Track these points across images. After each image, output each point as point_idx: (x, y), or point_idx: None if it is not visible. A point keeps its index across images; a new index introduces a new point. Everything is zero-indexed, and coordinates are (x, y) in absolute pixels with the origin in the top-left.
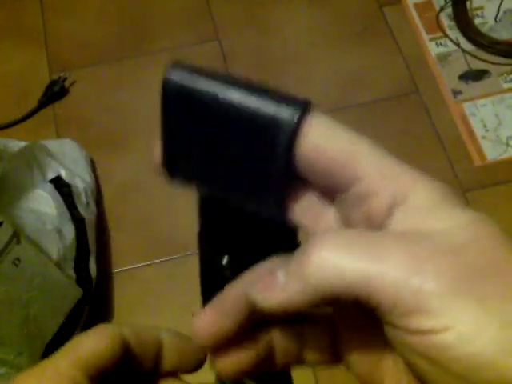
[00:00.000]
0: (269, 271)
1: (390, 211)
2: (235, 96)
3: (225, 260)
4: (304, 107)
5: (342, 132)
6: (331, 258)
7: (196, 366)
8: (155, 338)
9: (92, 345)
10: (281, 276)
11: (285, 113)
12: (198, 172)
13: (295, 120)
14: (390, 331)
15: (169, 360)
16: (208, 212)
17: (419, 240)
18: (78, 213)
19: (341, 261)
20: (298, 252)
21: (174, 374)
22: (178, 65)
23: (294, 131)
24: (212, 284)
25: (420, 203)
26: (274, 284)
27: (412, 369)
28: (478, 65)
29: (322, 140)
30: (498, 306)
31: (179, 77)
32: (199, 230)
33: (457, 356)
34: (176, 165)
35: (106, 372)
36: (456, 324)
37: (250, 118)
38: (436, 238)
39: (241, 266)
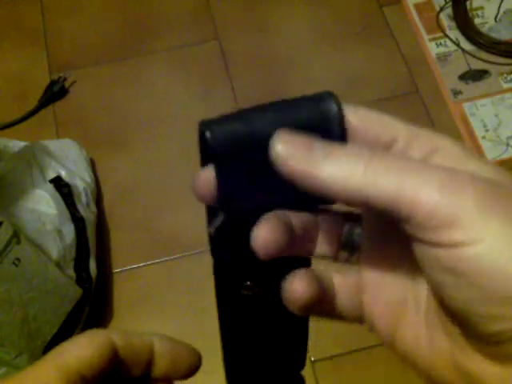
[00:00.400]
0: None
1: (427, 158)
2: (271, 119)
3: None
4: (331, 95)
5: (371, 111)
6: (375, 171)
7: (189, 372)
8: (147, 344)
9: (77, 352)
10: (318, 151)
11: (325, 107)
12: (255, 199)
13: (337, 108)
14: (419, 248)
15: (161, 366)
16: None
17: (456, 169)
18: (78, 213)
19: (381, 175)
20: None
21: (166, 380)
22: (207, 122)
23: (341, 117)
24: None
25: (453, 152)
26: (307, 150)
27: (437, 290)
28: (478, 65)
29: (362, 116)
30: None
31: (218, 132)
32: (222, 260)
33: (484, 268)
34: (231, 199)
35: (93, 379)
36: (486, 237)
37: (296, 126)
38: (472, 171)
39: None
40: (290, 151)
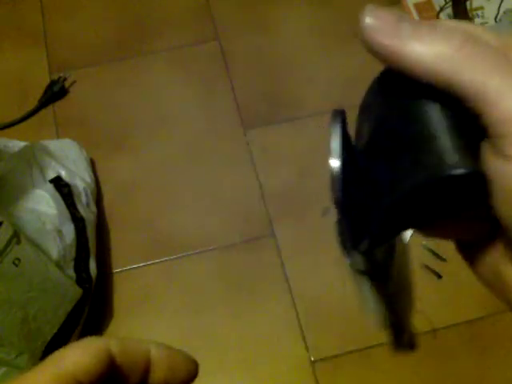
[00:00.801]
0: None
1: None
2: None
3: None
4: None
5: None
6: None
7: (187, 380)
8: (144, 351)
9: (75, 358)
10: (406, 27)
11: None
12: None
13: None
14: (492, 166)
15: (158, 374)
16: None
17: None
18: (78, 213)
19: (472, 60)
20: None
21: None
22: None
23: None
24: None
25: None
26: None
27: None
28: None
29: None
30: None
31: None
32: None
33: None
34: None
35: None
36: None
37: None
38: None
39: None
40: (379, 24)
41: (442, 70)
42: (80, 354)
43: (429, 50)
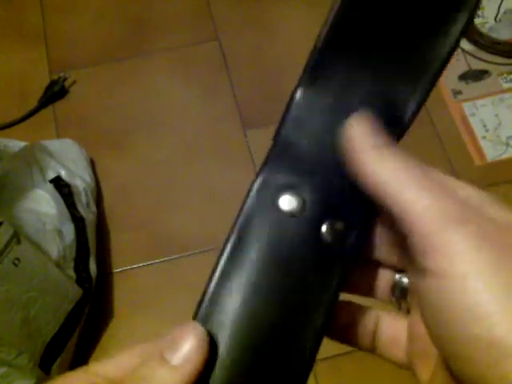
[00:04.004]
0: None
1: None
2: None
3: None
4: None
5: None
6: (387, 167)
7: None
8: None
9: None
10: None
11: None
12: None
13: None
14: (412, 277)
15: None
16: None
17: (468, 203)
18: (78, 213)
19: (394, 174)
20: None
21: None
22: None
23: None
24: None
25: (474, 201)
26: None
27: (427, 329)
28: (478, 65)
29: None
30: (507, 272)
31: None
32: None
33: (458, 304)
34: None
35: None
36: (465, 273)
37: None
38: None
39: None
40: (358, 134)
41: (386, 194)
42: None
43: (384, 171)
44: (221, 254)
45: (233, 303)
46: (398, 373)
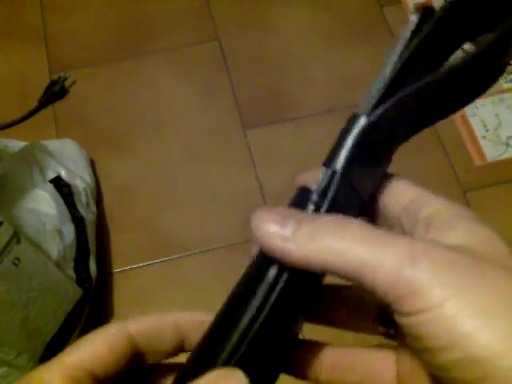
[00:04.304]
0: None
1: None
2: None
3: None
4: None
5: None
6: (345, 237)
7: None
8: (172, 324)
9: (88, 351)
10: (289, 229)
11: None
12: None
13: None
14: (396, 318)
15: (194, 339)
16: None
17: (416, 240)
18: (78, 213)
19: (348, 242)
20: (314, 215)
21: None
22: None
23: None
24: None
25: (445, 215)
26: (280, 227)
27: (420, 359)
28: None
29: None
30: (474, 293)
31: None
32: None
33: (436, 332)
34: None
35: (107, 377)
36: (444, 302)
37: None
38: (435, 239)
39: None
40: (265, 228)
41: (322, 262)
42: (95, 345)
43: (308, 245)
44: None
45: None
46: None
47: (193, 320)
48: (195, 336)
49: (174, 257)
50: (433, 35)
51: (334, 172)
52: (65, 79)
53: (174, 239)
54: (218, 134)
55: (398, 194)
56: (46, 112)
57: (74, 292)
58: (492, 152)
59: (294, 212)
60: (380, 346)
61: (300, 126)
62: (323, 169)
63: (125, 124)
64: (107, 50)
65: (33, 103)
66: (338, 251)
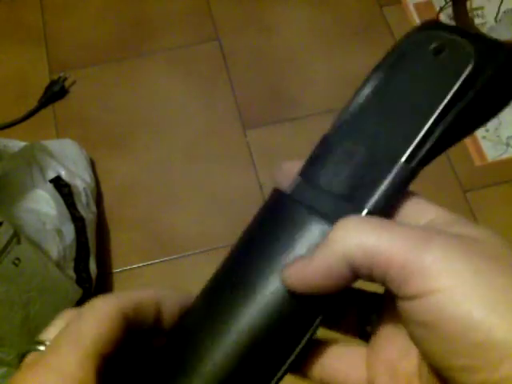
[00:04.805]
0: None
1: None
2: None
3: None
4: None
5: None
6: (353, 228)
7: None
8: (154, 299)
9: (94, 332)
10: (307, 256)
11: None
12: None
13: None
14: (399, 306)
15: (170, 317)
16: None
17: (425, 226)
18: (78, 213)
19: (360, 233)
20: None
21: None
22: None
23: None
24: None
25: (444, 219)
26: (301, 259)
27: (418, 348)
28: None
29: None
30: (488, 276)
31: None
32: None
33: (449, 316)
34: None
35: (110, 353)
36: (449, 286)
37: None
38: (445, 230)
39: None
40: (290, 271)
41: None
42: (98, 327)
43: (321, 267)
44: None
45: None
46: None
47: (171, 296)
48: (170, 311)
49: (173, 257)
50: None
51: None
52: (65, 79)
53: (174, 239)
54: (218, 134)
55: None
56: (46, 112)
57: (74, 292)
58: (492, 152)
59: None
60: (350, 345)
61: (300, 126)
62: (297, 178)
63: (125, 124)
64: (107, 50)
65: (33, 103)
66: (351, 240)
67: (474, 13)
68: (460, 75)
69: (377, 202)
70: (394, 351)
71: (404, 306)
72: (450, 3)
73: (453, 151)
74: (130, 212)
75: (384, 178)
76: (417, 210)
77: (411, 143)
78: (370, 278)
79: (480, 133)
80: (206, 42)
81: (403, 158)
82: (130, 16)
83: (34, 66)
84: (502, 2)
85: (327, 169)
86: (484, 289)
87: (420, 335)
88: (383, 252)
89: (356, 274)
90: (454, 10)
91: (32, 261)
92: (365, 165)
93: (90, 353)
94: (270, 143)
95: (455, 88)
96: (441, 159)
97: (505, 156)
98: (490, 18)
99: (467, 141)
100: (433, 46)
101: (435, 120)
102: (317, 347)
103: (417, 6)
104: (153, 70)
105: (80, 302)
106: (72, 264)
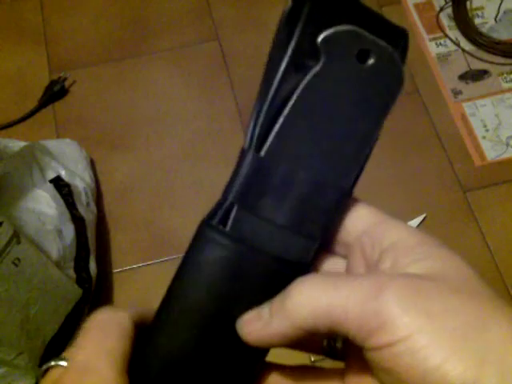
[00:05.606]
0: (257, 310)
1: (382, 252)
2: None
3: None
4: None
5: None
6: (307, 293)
7: None
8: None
9: (123, 350)
10: (265, 313)
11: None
12: None
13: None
14: (366, 355)
15: None
16: None
17: (383, 272)
18: (78, 213)
19: (314, 294)
20: (280, 293)
21: None
22: None
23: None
24: None
25: (406, 244)
26: (257, 319)
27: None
28: (478, 65)
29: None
30: (443, 320)
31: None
32: None
33: (407, 364)
34: None
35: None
36: (405, 336)
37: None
38: (399, 269)
39: None
40: (247, 330)
41: (300, 324)
42: (124, 345)
43: (280, 322)
44: None
45: None
46: None
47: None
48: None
49: (173, 257)
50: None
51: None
52: (65, 79)
53: (174, 239)
54: (218, 134)
55: (360, 219)
56: (46, 112)
57: (74, 292)
58: (492, 152)
59: (265, 305)
60: (326, 369)
61: None
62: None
63: (125, 124)
64: (107, 50)
65: (33, 103)
66: (306, 307)
67: (474, 13)
68: (393, 92)
69: (326, 232)
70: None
71: (367, 354)
72: (450, 3)
73: (453, 151)
74: (129, 212)
75: (331, 207)
76: (380, 231)
77: (354, 170)
78: (332, 335)
79: (480, 133)
80: (205, 42)
81: (348, 185)
82: (129, 16)
83: (34, 66)
84: (501, 2)
85: (267, 196)
86: (439, 335)
87: (383, 378)
88: (340, 312)
89: (316, 333)
90: (454, 10)
91: (32, 261)
92: (308, 192)
93: (123, 370)
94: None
95: (390, 107)
96: (441, 159)
97: (505, 156)
98: (490, 18)
99: (467, 141)
100: (355, 50)
101: (374, 141)
102: (289, 376)
103: (417, 5)
104: (153, 70)
105: (80, 302)
106: (72, 264)
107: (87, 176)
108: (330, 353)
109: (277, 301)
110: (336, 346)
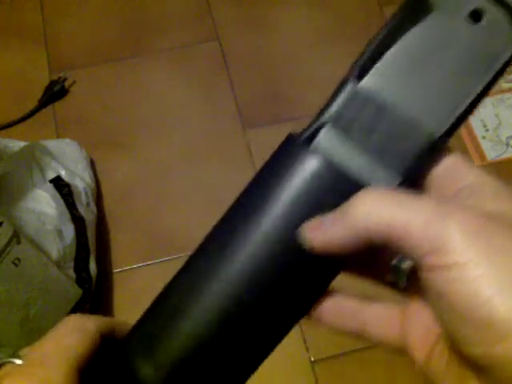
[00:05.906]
0: (320, 218)
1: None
2: None
3: None
4: None
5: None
6: (370, 203)
7: None
8: (126, 325)
9: (79, 349)
10: (328, 220)
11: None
12: None
13: None
14: (420, 274)
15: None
16: None
17: (447, 200)
18: (78, 213)
19: (377, 205)
20: (344, 203)
21: None
22: None
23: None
24: None
25: (483, 190)
26: (320, 225)
27: (436, 316)
28: None
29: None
30: (501, 257)
31: None
32: None
33: (458, 292)
34: None
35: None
36: (462, 263)
37: None
38: (467, 202)
39: None
40: (311, 235)
41: (358, 233)
42: (82, 345)
43: (339, 231)
44: None
45: None
46: (396, 373)
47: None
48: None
49: (173, 257)
50: None
51: None
52: (65, 79)
53: (174, 239)
54: (218, 133)
55: (439, 162)
56: (46, 112)
57: (74, 292)
58: (492, 152)
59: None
60: (385, 302)
61: (300, 126)
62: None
63: (125, 124)
64: (107, 50)
65: (33, 103)
66: (368, 216)
67: None
68: (502, 57)
69: (410, 172)
70: (428, 314)
71: (421, 274)
72: None
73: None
74: (129, 212)
75: (419, 150)
76: (455, 173)
77: (451, 118)
78: (392, 248)
79: (480, 133)
80: (205, 42)
81: (441, 133)
82: (129, 16)
83: (34, 66)
84: None
85: (358, 124)
86: (495, 269)
87: (437, 305)
88: (401, 226)
89: (375, 243)
90: None
91: (32, 261)
92: (399, 129)
93: (75, 367)
94: (270, 143)
95: (498, 72)
96: None
97: (505, 156)
98: None
99: (467, 141)
100: (468, 9)
101: (475, 101)
102: (348, 300)
103: None
104: (153, 70)
105: (80, 302)
106: (72, 264)
107: (87, 176)
108: (395, 278)
109: (340, 208)
110: (402, 267)
